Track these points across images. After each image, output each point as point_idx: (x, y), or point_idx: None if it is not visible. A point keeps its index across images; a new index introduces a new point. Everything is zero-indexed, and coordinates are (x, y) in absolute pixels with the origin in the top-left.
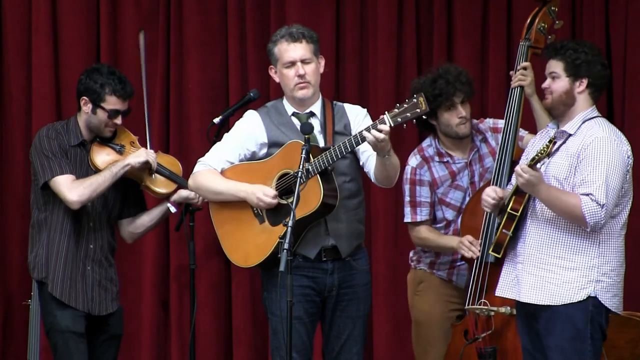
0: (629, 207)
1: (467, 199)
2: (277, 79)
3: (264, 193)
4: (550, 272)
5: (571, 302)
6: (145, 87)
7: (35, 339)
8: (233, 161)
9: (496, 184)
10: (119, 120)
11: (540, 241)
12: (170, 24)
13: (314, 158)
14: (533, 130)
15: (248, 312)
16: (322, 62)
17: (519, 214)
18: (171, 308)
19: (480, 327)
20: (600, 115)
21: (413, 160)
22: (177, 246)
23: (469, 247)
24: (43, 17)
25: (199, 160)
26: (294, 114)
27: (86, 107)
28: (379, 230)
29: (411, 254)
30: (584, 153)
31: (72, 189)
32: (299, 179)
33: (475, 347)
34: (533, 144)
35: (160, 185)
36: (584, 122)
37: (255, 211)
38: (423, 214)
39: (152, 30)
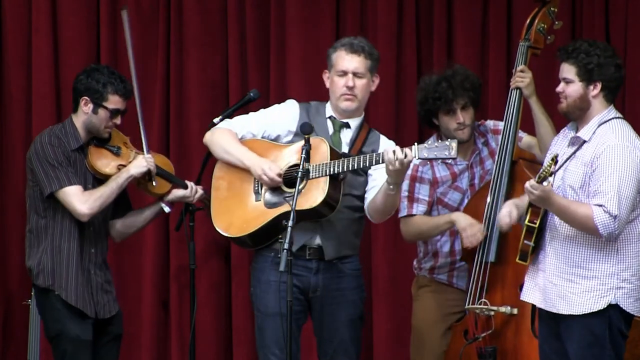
0: None
1: (465, 200)
2: (327, 84)
3: (270, 167)
4: (570, 281)
5: (592, 311)
6: (134, 75)
7: (35, 339)
8: (256, 135)
9: (496, 185)
10: (118, 120)
11: (560, 251)
12: (170, 24)
13: (331, 159)
14: (532, 131)
15: (248, 312)
16: (377, 80)
17: (537, 226)
18: (171, 308)
19: (480, 326)
20: (618, 115)
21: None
22: (177, 246)
23: (472, 235)
24: (43, 17)
25: (226, 120)
26: (330, 117)
27: (86, 107)
28: (378, 231)
29: (414, 263)
30: (596, 162)
31: (83, 201)
32: (299, 178)
33: (475, 347)
34: (555, 143)
35: (156, 186)
36: (599, 126)
37: (256, 188)
38: (419, 209)
39: (152, 30)
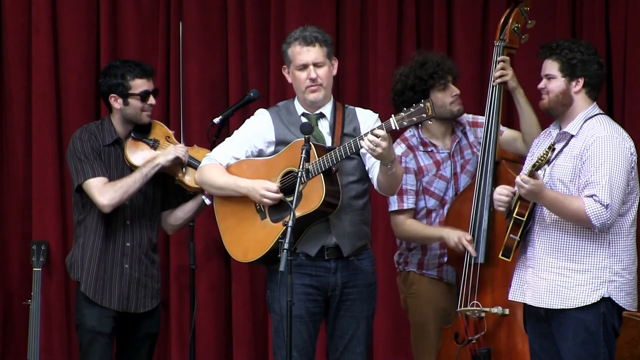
0: (637, 204)
1: (450, 189)
2: (289, 79)
3: (266, 188)
4: (562, 275)
5: (585, 304)
6: (182, 78)
7: (35, 339)
8: (239, 157)
9: (480, 186)
10: (152, 101)
11: (550, 245)
12: (170, 24)
13: (319, 157)
14: (513, 126)
15: (248, 312)
16: (336, 64)
17: (525, 219)
18: (171, 308)
19: (471, 328)
20: (602, 112)
21: (398, 149)
22: (177, 246)
23: (465, 247)
24: (43, 17)
25: (206, 154)
26: (303, 114)
27: (117, 103)
28: (379, 230)
29: (396, 257)
30: (586, 154)
31: (102, 192)
32: (298, 178)
33: (469, 349)
34: (537, 145)
35: (193, 179)
36: (585, 121)
37: (258, 207)
38: (409, 202)
39: (152, 31)
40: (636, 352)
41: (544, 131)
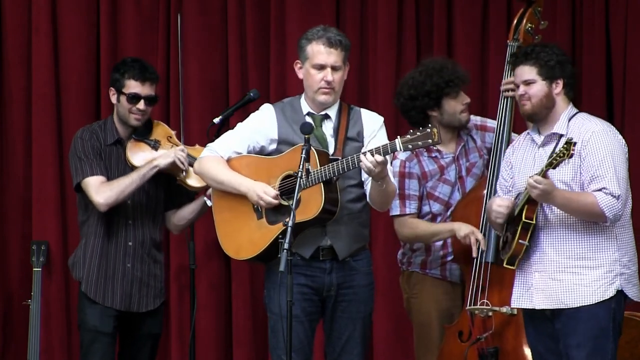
0: (630, 196)
1: (456, 193)
2: (300, 75)
3: (265, 192)
4: (577, 274)
5: (604, 299)
6: (181, 74)
7: (35, 339)
8: (241, 152)
9: (491, 188)
10: (141, 106)
11: (559, 246)
12: (170, 24)
13: (321, 165)
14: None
15: (248, 312)
16: (348, 68)
17: (534, 222)
18: (171, 308)
19: (475, 327)
20: (578, 110)
21: (402, 153)
22: (177, 246)
23: (475, 241)
24: (43, 17)
25: (208, 145)
26: (308, 114)
27: (113, 98)
28: (378, 230)
29: (399, 256)
30: (585, 150)
31: (99, 191)
32: (299, 179)
33: (476, 348)
34: (518, 149)
35: (194, 179)
36: (569, 120)
37: (255, 206)
38: (412, 207)
39: (152, 31)
40: (636, 352)
41: (517, 138)
